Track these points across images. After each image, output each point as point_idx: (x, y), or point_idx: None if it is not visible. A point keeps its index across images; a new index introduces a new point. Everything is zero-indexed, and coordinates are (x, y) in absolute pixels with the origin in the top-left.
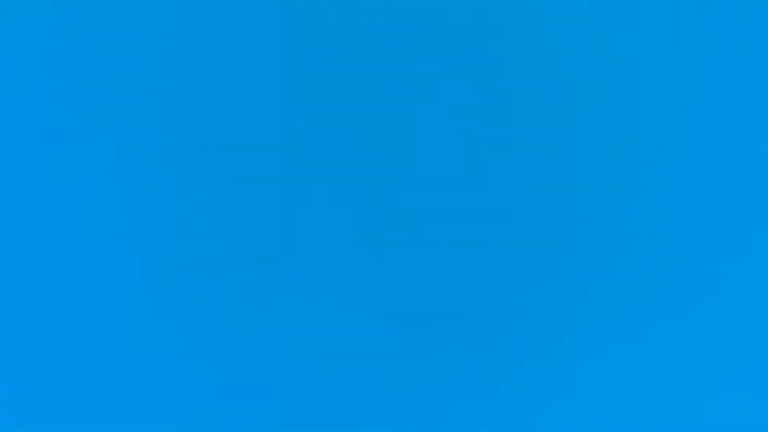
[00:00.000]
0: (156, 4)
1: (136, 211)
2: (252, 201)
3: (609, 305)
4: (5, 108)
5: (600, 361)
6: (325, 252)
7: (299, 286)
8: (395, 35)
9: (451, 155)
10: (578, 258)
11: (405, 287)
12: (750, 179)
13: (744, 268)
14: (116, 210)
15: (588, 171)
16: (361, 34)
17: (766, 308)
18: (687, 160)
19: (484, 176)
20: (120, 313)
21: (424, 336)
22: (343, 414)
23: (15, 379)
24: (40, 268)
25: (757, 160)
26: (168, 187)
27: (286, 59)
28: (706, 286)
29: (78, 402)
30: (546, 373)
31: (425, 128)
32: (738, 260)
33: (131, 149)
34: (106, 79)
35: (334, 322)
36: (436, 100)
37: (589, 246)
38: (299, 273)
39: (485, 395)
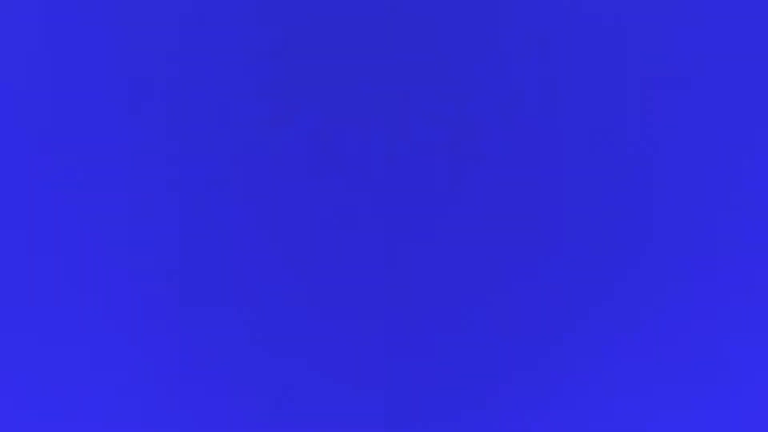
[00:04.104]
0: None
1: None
2: (249, 203)
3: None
4: (6, 107)
5: (600, 364)
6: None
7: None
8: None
9: (448, 161)
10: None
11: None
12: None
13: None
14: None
15: (589, 175)
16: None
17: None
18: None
19: (484, 179)
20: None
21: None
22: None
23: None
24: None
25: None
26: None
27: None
28: (705, 290)
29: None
30: (545, 376)
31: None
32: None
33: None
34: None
35: (334, 326)
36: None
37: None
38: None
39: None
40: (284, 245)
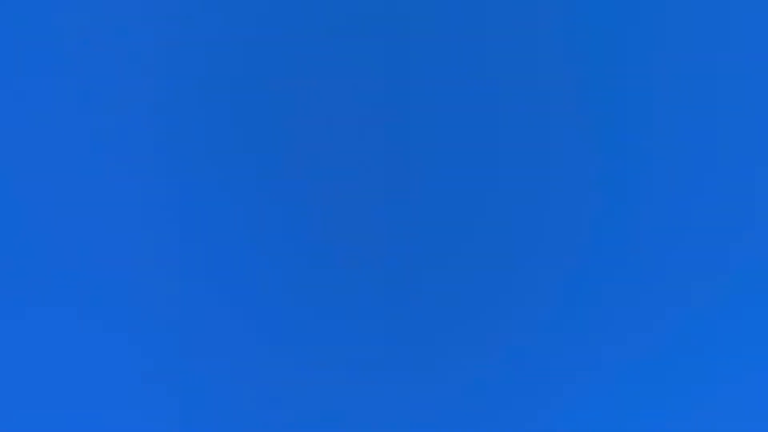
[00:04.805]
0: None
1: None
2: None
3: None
4: (7, 107)
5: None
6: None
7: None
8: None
9: (451, 163)
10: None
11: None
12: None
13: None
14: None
15: (586, 177)
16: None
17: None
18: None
19: (483, 183)
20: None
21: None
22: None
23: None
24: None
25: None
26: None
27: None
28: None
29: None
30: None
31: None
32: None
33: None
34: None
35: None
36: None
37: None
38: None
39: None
40: (285, 245)
